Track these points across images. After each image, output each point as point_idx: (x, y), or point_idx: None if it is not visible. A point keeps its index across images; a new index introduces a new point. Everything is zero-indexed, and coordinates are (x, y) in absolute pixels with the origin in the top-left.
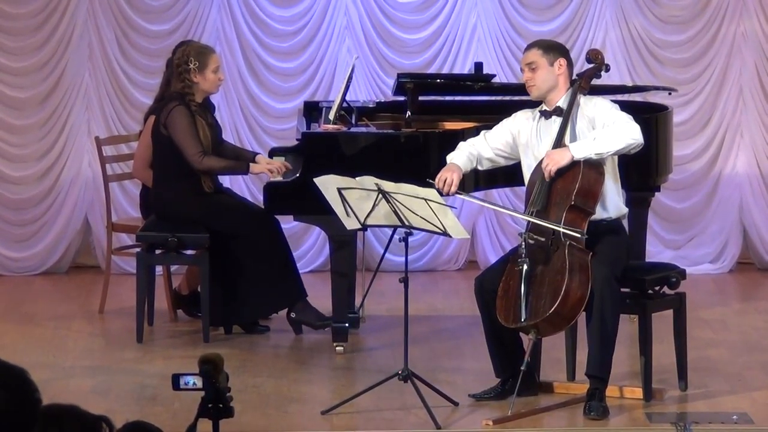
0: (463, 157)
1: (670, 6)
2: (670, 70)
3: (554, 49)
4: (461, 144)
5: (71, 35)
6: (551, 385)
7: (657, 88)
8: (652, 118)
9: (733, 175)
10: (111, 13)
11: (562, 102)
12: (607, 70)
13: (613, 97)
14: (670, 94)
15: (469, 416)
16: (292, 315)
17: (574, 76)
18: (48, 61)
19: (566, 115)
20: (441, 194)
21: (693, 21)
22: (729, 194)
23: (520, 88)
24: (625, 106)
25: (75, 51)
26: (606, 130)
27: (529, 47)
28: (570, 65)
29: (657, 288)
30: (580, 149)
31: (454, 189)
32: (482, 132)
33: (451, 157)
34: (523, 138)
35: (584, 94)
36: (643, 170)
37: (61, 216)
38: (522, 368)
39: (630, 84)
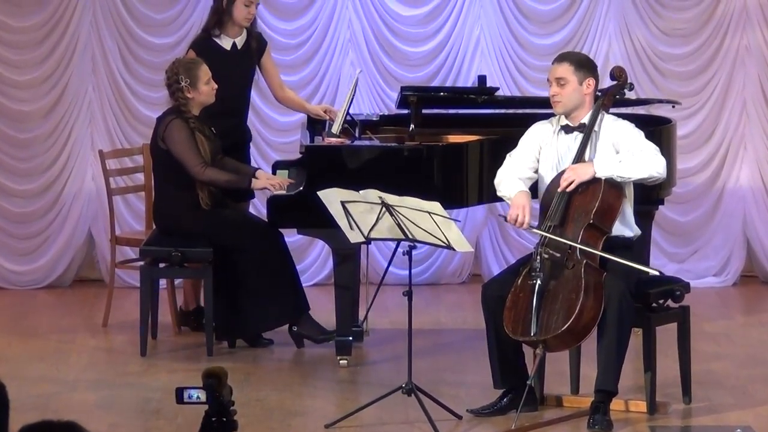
0: (522, 185)
1: (673, 19)
2: (673, 83)
3: (585, 67)
4: (503, 176)
5: (74, 49)
6: (558, 399)
7: (660, 101)
8: (655, 131)
9: (737, 188)
10: (114, 27)
11: (587, 119)
12: (631, 88)
13: (617, 110)
14: (673, 107)
15: (472, 430)
16: (294, 329)
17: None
18: (51, 75)
19: (588, 131)
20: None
21: (696, 34)
22: (733, 207)
23: (524, 102)
24: (629, 120)
25: (78, 64)
26: (633, 157)
27: (561, 60)
28: (597, 83)
29: (661, 301)
30: (603, 167)
31: (527, 224)
32: (508, 156)
33: (510, 190)
34: (544, 150)
35: (607, 111)
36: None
37: (65, 229)
38: (528, 383)
39: (633, 97)
